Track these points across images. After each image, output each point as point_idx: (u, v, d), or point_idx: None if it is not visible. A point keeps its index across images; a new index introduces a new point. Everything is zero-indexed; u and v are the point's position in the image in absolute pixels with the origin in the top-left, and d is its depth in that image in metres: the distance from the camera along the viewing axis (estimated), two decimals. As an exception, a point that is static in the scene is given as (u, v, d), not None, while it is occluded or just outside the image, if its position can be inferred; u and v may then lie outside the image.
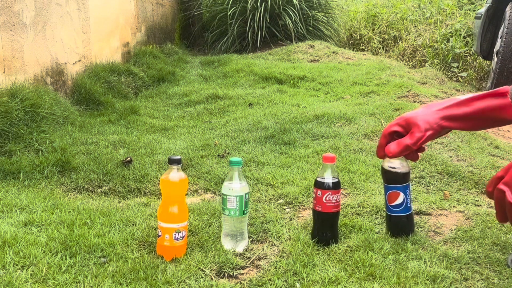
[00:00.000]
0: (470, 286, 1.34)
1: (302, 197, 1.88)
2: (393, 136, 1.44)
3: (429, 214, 1.77)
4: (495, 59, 4.16)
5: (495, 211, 1.18)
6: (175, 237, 1.43)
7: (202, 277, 1.35)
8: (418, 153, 1.47)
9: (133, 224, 1.64)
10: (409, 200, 1.55)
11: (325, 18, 6.05)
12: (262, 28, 5.45)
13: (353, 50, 6.23)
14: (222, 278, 1.38)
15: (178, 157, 1.45)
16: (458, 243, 1.57)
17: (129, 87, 3.86)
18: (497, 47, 4.23)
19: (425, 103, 3.32)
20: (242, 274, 1.40)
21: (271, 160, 2.26)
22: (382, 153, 1.45)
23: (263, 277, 1.36)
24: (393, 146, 1.41)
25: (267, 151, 2.40)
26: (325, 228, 1.53)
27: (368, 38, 6.66)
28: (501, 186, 1.10)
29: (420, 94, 3.51)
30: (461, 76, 5.22)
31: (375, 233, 1.60)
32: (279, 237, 1.58)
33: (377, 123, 2.75)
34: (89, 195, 2.02)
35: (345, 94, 3.69)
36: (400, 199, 1.54)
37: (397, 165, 1.53)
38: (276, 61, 4.87)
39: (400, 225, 1.57)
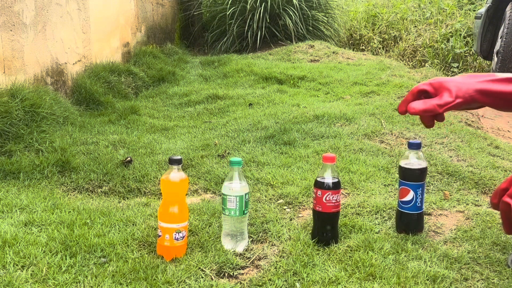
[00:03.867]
0: (470, 286, 1.34)
1: (302, 197, 1.88)
2: (420, 96, 1.36)
3: (429, 214, 1.77)
4: (495, 59, 4.16)
5: (501, 223, 1.17)
6: (175, 237, 1.43)
7: (202, 277, 1.35)
8: (435, 120, 1.38)
9: (133, 224, 1.64)
10: (419, 199, 1.57)
11: (325, 18, 6.05)
12: (262, 28, 5.45)
13: (353, 50, 6.23)
14: (222, 278, 1.38)
15: (179, 157, 1.45)
16: (458, 243, 1.57)
17: (129, 87, 3.86)
18: (497, 47, 4.23)
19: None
20: (242, 274, 1.40)
21: (271, 160, 2.26)
22: (404, 108, 1.36)
23: (263, 277, 1.36)
24: (418, 103, 1.31)
25: (267, 151, 2.40)
26: (325, 228, 1.53)
27: (368, 38, 6.66)
28: (507, 199, 1.10)
29: (420, 94, 3.51)
30: (461, 76, 5.22)
31: (375, 233, 1.60)
32: (279, 237, 1.58)
33: (377, 123, 2.75)
34: (89, 195, 2.02)
35: (345, 94, 3.69)
36: (409, 196, 1.57)
37: (412, 163, 1.57)
38: (276, 61, 4.87)
39: (406, 221, 1.59)
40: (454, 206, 1.84)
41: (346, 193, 1.93)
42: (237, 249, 1.50)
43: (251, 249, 1.52)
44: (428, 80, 1.35)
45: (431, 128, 2.68)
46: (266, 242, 1.56)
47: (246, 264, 1.45)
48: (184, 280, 1.33)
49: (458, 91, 1.28)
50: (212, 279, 1.36)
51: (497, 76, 1.30)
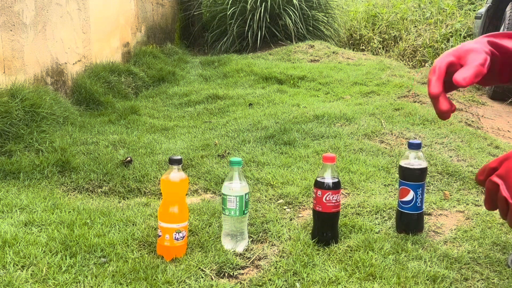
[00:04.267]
0: (470, 286, 1.34)
1: (302, 197, 1.88)
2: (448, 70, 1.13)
3: (429, 214, 1.77)
4: (495, 59, 4.15)
5: (484, 199, 1.14)
6: (175, 237, 1.43)
7: (202, 277, 1.35)
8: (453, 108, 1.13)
9: (133, 224, 1.64)
10: (419, 199, 1.57)
11: (325, 18, 6.05)
12: (262, 28, 5.45)
13: (353, 50, 6.23)
14: (222, 278, 1.38)
15: (179, 157, 1.45)
16: (458, 243, 1.57)
17: (129, 87, 3.86)
18: (497, 47, 4.22)
19: (425, 103, 3.32)
20: (242, 274, 1.40)
21: (271, 160, 2.26)
22: (441, 88, 1.10)
23: (263, 277, 1.36)
24: (462, 73, 1.07)
25: (267, 151, 2.40)
26: (325, 228, 1.53)
27: (368, 38, 6.66)
28: (495, 178, 1.06)
29: (420, 94, 3.51)
30: (461, 76, 5.22)
31: (375, 233, 1.60)
32: (279, 237, 1.58)
33: (377, 123, 2.75)
34: (89, 195, 2.02)
35: (345, 94, 3.69)
36: (409, 196, 1.57)
37: (412, 163, 1.57)
38: (276, 61, 4.87)
39: (406, 221, 1.59)
40: (454, 206, 1.84)
41: (346, 193, 1.93)
42: (237, 249, 1.50)
43: (251, 249, 1.52)
44: (442, 54, 1.17)
45: (431, 128, 2.68)
46: (266, 242, 1.56)
47: (246, 264, 1.45)
48: (184, 280, 1.33)
49: (479, 46, 1.13)
50: (212, 279, 1.36)
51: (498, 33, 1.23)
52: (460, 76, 1.07)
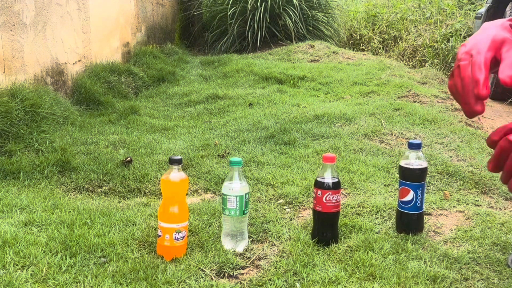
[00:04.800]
0: (470, 286, 1.34)
1: (302, 197, 1.88)
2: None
3: (429, 214, 1.77)
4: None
5: (490, 159, 1.10)
6: (175, 237, 1.43)
7: (202, 277, 1.35)
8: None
9: (133, 224, 1.64)
10: (419, 199, 1.57)
11: (325, 18, 6.05)
12: (262, 28, 5.45)
13: (353, 50, 6.23)
14: (222, 278, 1.38)
15: (179, 157, 1.45)
16: (458, 243, 1.57)
17: (129, 87, 3.86)
18: (497, 47, 4.22)
19: (425, 103, 3.32)
20: (242, 274, 1.40)
21: (271, 160, 2.26)
22: (489, 90, 1.07)
23: (263, 277, 1.36)
24: (509, 70, 1.05)
25: (267, 151, 2.40)
26: (325, 228, 1.53)
27: (368, 38, 6.66)
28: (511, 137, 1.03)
29: (420, 94, 3.51)
30: (461, 76, 5.21)
31: (375, 233, 1.60)
32: (279, 237, 1.58)
33: (377, 123, 2.75)
34: (89, 195, 2.02)
35: (345, 94, 3.69)
36: (409, 196, 1.57)
37: (412, 163, 1.57)
38: (276, 61, 4.87)
39: (406, 221, 1.59)
40: (454, 206, 1.84)
41: (346, 193, 1.93)
42: (237, 249, 1.50)
43: (251, 249, 1.52)
44: (479, 45, 1.11)
45: (431, 128, 2.68)
46: (266, 242, 1.56)
47: (246, 264, 1.45)
48: (184, 280, 1.33)
49: (509, 36, 1.11)
50: (212, 279, 1.36)
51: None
52: (505, 75, 1.05)
